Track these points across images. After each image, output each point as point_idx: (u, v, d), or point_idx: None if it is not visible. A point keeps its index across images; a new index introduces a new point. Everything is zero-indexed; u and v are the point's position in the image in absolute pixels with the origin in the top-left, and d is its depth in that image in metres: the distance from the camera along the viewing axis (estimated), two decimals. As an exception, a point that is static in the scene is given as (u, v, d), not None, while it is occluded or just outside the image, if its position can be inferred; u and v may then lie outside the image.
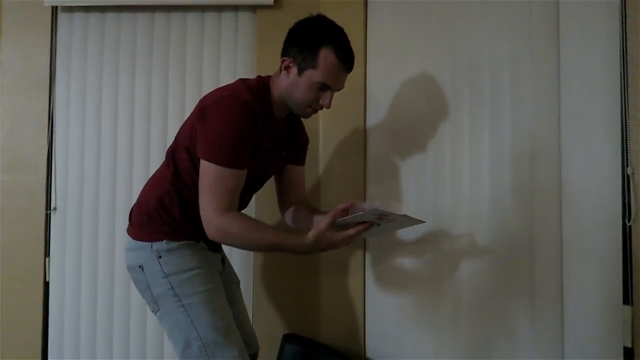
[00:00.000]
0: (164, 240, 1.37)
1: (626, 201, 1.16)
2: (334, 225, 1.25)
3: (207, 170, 1.26)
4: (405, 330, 1.72)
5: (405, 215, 1.28)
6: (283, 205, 1.60)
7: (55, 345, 1.99)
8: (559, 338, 1.30)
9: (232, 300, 1.51)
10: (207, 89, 1.62)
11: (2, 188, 2.02)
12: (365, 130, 1.86)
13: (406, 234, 1.70)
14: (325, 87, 1.32)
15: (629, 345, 1.16)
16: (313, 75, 1.30)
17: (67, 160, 2.05)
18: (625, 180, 1.16)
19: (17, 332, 1.98)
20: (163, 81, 2.03)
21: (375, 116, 1.85)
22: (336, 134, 1.89)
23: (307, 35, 1.33)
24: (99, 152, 2.04)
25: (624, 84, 1.18)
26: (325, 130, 1.89)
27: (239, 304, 1.58)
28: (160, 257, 1.37)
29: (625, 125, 1.16)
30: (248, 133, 1.27)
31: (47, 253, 2.02)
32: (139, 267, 1.39)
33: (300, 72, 1.32)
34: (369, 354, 1.85)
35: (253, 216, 1.79)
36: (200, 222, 1.30)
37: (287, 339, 1.81)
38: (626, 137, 1.16)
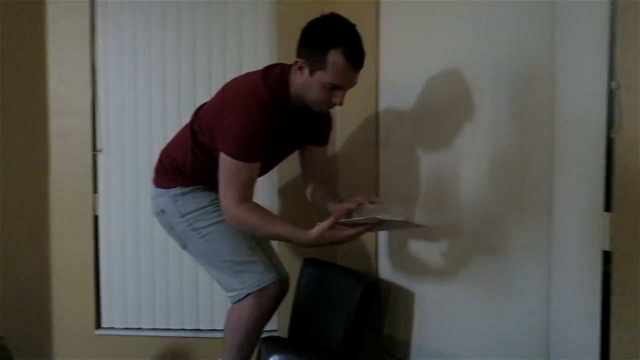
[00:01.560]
0: (178, 187, 1.58)
1: (610, 114, 1.23)
2: (337, 224, 1.35)
3: (225, 162, 1.41)
4: (411, 252, 1.86)
5: (404, 222, 1.36)
6: (306, 182, 1.73)
7: (105, 270, 2.25)
8: (547, 242, 1.41)
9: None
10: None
11: (55, 131, 2.26)
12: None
13: (417, 167, 1.83)
14: (335, 87, 1.39)
15: (607, 249, 1.26)
16: (323, 76, 1.37)
17: (109, 106, 2.26)
18: (610, 95, 1.22)
19: (71, 259, 2.25)
20: (190, 34, 2.20)
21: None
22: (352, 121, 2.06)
23: (317, 37, 1.39)
24: (136, 99, 2.24)
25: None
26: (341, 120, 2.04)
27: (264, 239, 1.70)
28: (176, 200, 1.58)
29: (613, 40, 1.22)
30: (261, 129, 1.39)
31: (95, 190, 2.27)
32: (162, 211, 1.62)
33: (311, 73, 1.39)
34: (380, 274, 2.02)
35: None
36: (207, 176, 1.50)
37: (307, 262, 1.99)
38: (612, 52, 1.22)
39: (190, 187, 1.59)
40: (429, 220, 1.74)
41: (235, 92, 1.45)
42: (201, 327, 2.22)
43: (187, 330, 2.23)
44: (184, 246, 1.63)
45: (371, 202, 1.40)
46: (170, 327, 2.23)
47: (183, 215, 1.57)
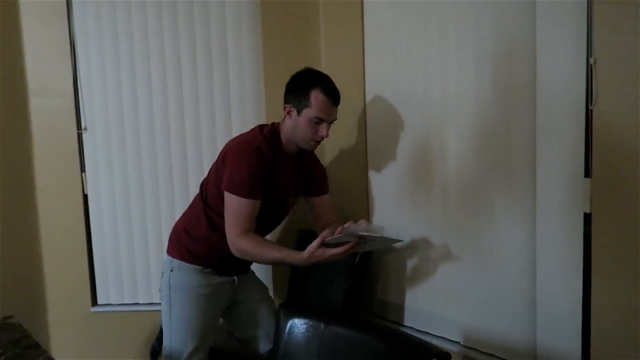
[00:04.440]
0: (178, 260, 1.75)
1: (589, 88, 1.34)
2: (324, 244, 1.51)
3: (229, 200, 1.62)
4: (403, 219, 1.97)
5: (382, 237, 1.52)
6: (316, 225, 1.86)
7: (98, 248, 2.27)
8: (531, 206, 1.54)
9: (246, 309, 1.86)
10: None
11: (35, 110, 2.21)
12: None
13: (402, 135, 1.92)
14: (320, 120, 1.64)
15: (588, 211, 1.39)
16: (309, 112, 1.63)
17: (91, 84, 2.22)
18: (589, 69, 1.33)
19: (62, 238, 2.25)
20: (171, 5, 2.16)
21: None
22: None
23: (299, 83, 1.67)
24: (119, 76, 2.21)
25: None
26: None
27: (258, 310, 1.86)
28: (172, 270, 1.75)
29: (590, 16, 1.32)
30: (259, 171, 1.62)
31: (82, 169, 2.25)
32: (162, 272, 1.80)
33: (299, 112, 1.65)
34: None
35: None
36: (214, 248, 1.70)
37: (302, 232, 2.07)
38: (590, 29, 1.32)
39: (188, 265, 1.74)
40: (421, 190, 1.86)
41: (235, 143, 1.70)
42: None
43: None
44: (161, 298, 1.80)
45: (357, 224, 1.53)
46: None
47: (169, 287, 1.75)
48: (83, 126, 2.23)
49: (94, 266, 2.28)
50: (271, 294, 2.24)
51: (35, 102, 2.22)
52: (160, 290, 1.79)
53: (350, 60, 2.09)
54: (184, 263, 1.74)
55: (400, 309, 2.03)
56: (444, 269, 1.86)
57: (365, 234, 1.46)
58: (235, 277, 1.81)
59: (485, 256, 1.71)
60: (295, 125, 1.67)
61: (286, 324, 1.32)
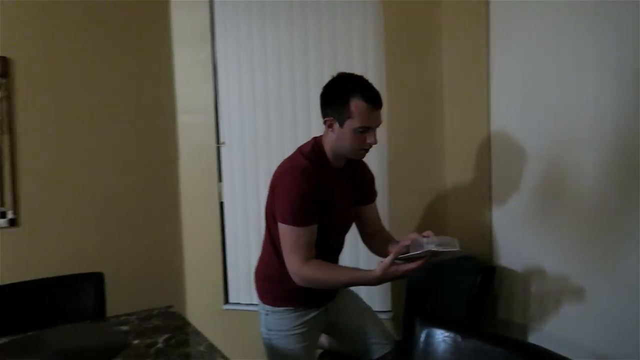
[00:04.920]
0: (269, 305, 1.71)
1: None
2: (396, 260, 1.46)
3: (284, 231, 1.56)
4: (527, 238, 1.94)
5: (458, 251, 1.46)
6: (363, 237, 1.83)
7: (232, 251, 2.49)
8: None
9: (347, 327, 1.82)
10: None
11: (182, 126, 2.50)
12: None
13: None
14: (365, 129, 1.54)
15: None
16: (352, 123, 1.53)
17: (229, 103, 2.46)
18: None
19: (201, 241, 2.51)
20: (302, 32, 2.34)
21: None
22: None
23: (335, 94, 1.57)
24: (254, 96, 2.42)
25: None
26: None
27: (360, 323, 1.83)
28: (266, 314, 1.72)
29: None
30: (310, 194, 1.54)
31: (220, 179, 2.50)
32: (259, 314, 1.77)
33: (341, 124, 1.55)
34: (496, 259, 2.12)
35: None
36: (295, 285, 1.58)
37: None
38: None
39: (279, 308, 1.70)
40: (552, 214, 1.84)
41: (281, 171, 1.63)
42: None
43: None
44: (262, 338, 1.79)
45: (424, 236, 1.49)
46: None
47: (268, 331, 1.73)
48: (221, 140, 2.48)
49: (227, 268, 2.50)
50: (388, 305, 2.30)
51: (182, 120, 2.50)
52: (260, 329, 1.78)
53: (474, 80, 2.12)
54: (275, 307, 1.71)
55: (524, 329, 2.00)
56: (575, 293, 1.80)
57: (443, 249, 1.43)
58: (327, 304, 1.76)
59: (621, 281, 1.65)
60: (339, 138, 1.58)
61: (422, 333, 1.35)
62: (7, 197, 2.14)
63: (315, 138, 1.68)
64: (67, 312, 1.78)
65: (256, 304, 2.45)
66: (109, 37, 2.36)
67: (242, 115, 2.45)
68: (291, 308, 1.69)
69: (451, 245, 1.45)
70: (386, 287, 2.28)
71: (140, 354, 1.37)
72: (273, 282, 1.70)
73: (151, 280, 2.44)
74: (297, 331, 1.70)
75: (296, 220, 1.54)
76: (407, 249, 1.50)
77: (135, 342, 1.45)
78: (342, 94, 1.55)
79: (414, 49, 2.27)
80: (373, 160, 2.04)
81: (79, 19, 2.28)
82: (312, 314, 1.71)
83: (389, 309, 2.31)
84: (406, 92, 2.26)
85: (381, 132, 2.24)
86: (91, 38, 2.31)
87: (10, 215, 2.15)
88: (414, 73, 2.26)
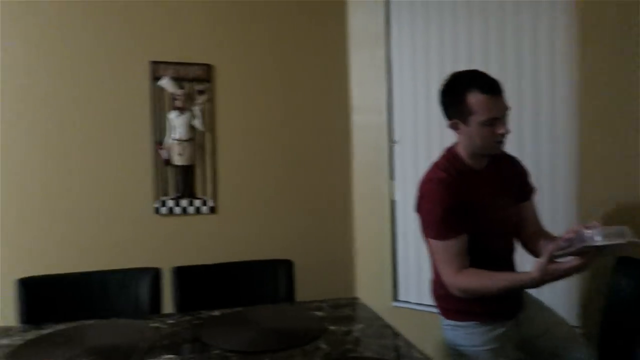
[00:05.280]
0: (452, 320, 1.63)
1: None
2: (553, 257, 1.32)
3: (433, 246, 1.55)
4: None
5: (629, 242, 1.20)
6: (521, 240, 1.69)
7: (402, 250, 2.51)
8: None
9: (543, 344, 1.66)
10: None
11: (356, 126, 2.59)
12: None
13: None
14: (491, 120, 1.47)
15: None
16: (476, 118, 1.47)
17: (403, 102, 2.48)
18: None
19: (371, 238, 2.57)
20: (483, 30, 2.24)
21: None
22: None
23: (452, 94, 1.53)
24: (428, 94, 2.40)
25: None
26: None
27: (558, 339, 1.67)
28: (453, 329, 1.63)
29: None
30: (452, 205, 1.49)
31: (391, 177, 2.53)
32: (444, 327, 1.68)
33: (466, 123, 1.50)
34: None
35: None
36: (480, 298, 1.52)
37: (620, 261, 1.89)
38: None
39: (463, 322, 1.62)
40: None
41: (421, 187, 1.61)
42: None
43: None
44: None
45: (587, 228, 1.28)
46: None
47: (455, 345, 1.64)
48: (395, 138, 2.50)
49: (397, 265, 2.52)
50: (574, 320, 2.12)
51: (356, 119, 2.59)
52: (445, 342, 1.70)
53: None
54: (457, 322, 1.63)
55: None
56: None
57: (609, 242, 1.20)
58: (517, 316, 1.65)
59: None
60: (469, 137, 1.53)
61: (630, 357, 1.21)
62: (209, 188, 2.43)
63: (447, 148, 1.66)
64: (260, 294, 1.96)
65: (426, 304, 2.47)
66: (291, 40, 2.54)
67: (416, 113, 2.45)
68: (477, 322, 1.60)
69: (621, 237, 1.21)
70: (571, 296, 2.09)
71: (339, 340, 1.43)
72: (449, 300, 1.63)
73: (324, 272, 2.57)
74: (486, 347, 1.59)
75: (441, 235, 1.52)
76: (570, 243, 1.32)
77: (332, 327, 1.52)
78: (457, 91, 1.52)
79: (611, 49, 2.03)
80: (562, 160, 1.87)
81: (267, 25, 2.49)
82: (501, 330, 1.60)
83: (576, 324, 2.11)
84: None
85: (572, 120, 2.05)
86: (276, 42, 2.51)
87: (210, 203, 2.43)
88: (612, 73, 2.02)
